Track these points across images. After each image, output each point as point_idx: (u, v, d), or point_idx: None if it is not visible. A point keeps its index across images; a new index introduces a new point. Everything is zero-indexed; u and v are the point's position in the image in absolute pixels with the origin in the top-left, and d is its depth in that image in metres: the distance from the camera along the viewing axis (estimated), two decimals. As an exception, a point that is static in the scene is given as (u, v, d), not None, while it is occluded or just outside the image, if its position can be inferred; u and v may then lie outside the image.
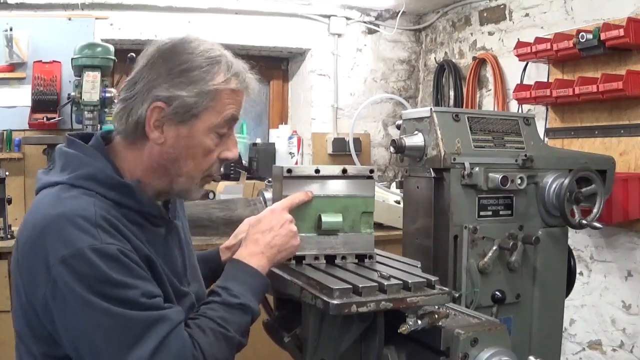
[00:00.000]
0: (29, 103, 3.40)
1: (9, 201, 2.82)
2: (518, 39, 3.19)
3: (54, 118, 3.37)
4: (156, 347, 1.04)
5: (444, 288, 1.22)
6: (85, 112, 3.16)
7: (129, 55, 2.82)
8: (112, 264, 1.06)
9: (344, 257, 1.38)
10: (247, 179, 3.56)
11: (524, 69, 3.26)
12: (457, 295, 1.71)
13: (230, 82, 1.22)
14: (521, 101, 3.14)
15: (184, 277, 1.30)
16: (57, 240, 1.06)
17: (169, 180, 1.24)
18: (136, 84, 1.20)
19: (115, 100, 1.29)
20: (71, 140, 1.23)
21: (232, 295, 1.18)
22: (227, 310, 1.17)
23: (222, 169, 1.35)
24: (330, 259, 1.37)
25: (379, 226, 2.94)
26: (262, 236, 1.27)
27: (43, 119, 3.36)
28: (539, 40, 2.94)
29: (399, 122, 1.94)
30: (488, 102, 3.67)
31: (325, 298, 1.14)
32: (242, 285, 1.20)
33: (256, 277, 1.23)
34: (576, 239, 2.90)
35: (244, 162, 3.88)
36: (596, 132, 2.84)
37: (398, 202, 3.00)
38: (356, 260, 1.39)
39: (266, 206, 1.92)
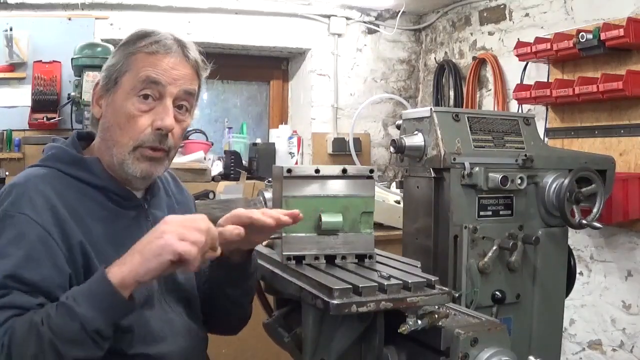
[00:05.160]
0: (29, 103, 3.40)
1: (9, 201, 2.81)
2: (518, 39, 3.19)
3: (54, 118, 3.38)
4: None
5: (444, 288, 1.22)
6: (85, 112, 3.16)
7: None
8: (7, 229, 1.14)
9: (344, 257, 1.38)
10: (247, 179, 3.56)
11: (524, 69, 3.26)
12: (457, 295, 1.71)
13: (148, 47, 1.28)
14: (521, 101, 3.14)
15: None
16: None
17: (110, 153, 1.29)
18: None
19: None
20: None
21: (67, 296, 1.07)
22: (54, 308, 1.07)
23: (161, 141, 1.29)
24: (330, 259, 1.37)
25: (379, 226, 2.94)
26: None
27: (43, 119, 3.37)
28: (539, 40, 2.94)
29: (399, 122, 1.94)
30: (488, 102, 3.67)
31: (325, 298, 1.14)
32: (82, 290, 1.08)
33: (101, 284, 1.07)
34: (576, 239, 2.90)
35: (244, 162, 3.88)
36: (596, 132, 2.84)
37: (398, 202, 3.00)
38: (356, 260, 1.38)
39: (266, 206, 1.93)
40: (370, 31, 4.23)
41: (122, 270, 1.07)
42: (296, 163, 3.94)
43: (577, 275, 2.30)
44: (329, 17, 4.11)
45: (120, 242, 1.22)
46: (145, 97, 1.27)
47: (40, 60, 3.43)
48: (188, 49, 1.32)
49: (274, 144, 4.06)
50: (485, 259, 1.75)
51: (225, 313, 1.48)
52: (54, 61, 3.45)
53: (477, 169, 1.75)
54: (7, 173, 2.84)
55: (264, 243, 1.53)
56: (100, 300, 1.06)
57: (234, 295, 1.43)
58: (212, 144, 3.97)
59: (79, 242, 1.18)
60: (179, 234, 1.07)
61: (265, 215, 1.24)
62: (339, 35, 4.14)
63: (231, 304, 1.45)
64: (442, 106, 3.92)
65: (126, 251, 1.14)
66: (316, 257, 1.36)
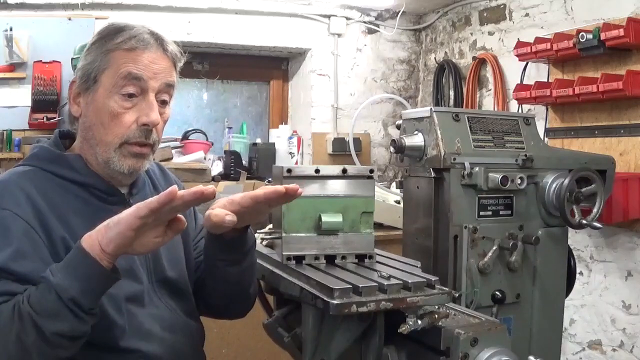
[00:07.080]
0: (29, 103, 3.40)
1: (9, 201, 2.81)
2: (518, 39, 3.19)
3: (54, 118, 3.38)
4: None
5: (444, 288, 1.22)
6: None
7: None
8: None
9: (344, 257, 1.38)
10: (247, 179, 3.56)
11: (524, 69, 3.26)
12: (457, 295, 1.71)
13: (125, 43, 1.27)
14: (521, 101, 3.14)
15: (137, 261, 1.31)
16: None
17: (93, 152, 1.30)
18: None
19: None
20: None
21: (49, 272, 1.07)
22: (38, 287, 1.07)
23: (149, 136, 1.30)
24: (330, 259, 1.37)
25: (379, 226, 2.94)
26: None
27: (43, 119, 3.36)
28: (539, 40, 2.94)
29: (399, 122, 1.94)
30: (488, 102, 3.67)
31: (325, 298, 1.13)
32: (61, 264, 1.07)
33: (76, 254, 1.06)
34: (576, 239, 2.90)
35: (244, 162, 3.88)
36: (596, 132, 2.84)
37: (398, 202, 3.00)
38: (356, 260, 1.38)
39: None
40: (370, 31, 4.23)
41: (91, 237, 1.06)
42: (296, 163, 3.94)
43: (577, 275, 2.30)
44: (329, 17, 4.10)
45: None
46: (130, 95, 1.27)
47: (40, 60, 3.43)
48: (165, 42, 1.33)
49: (274, 144, 4.06)
50: (485, 259, 1.75)
51: (228, 295, 1.45)
52: (54, 61, 3.44)
53: (477, 169, 1.75)
54: (7, 173, 2.85)
55: (264, 243, 1.53)
56: (74, 267, 1.05)
57: (234, 274, 1.38)
58: (212, 144, 3.98)
59: (62, 238, 1.19)
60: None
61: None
62: (339, 35, 4.14)
63: (233, 285, 1.41)
64: (442, 106, 3.92)
65: None
66: (316, 257, 1.36)
